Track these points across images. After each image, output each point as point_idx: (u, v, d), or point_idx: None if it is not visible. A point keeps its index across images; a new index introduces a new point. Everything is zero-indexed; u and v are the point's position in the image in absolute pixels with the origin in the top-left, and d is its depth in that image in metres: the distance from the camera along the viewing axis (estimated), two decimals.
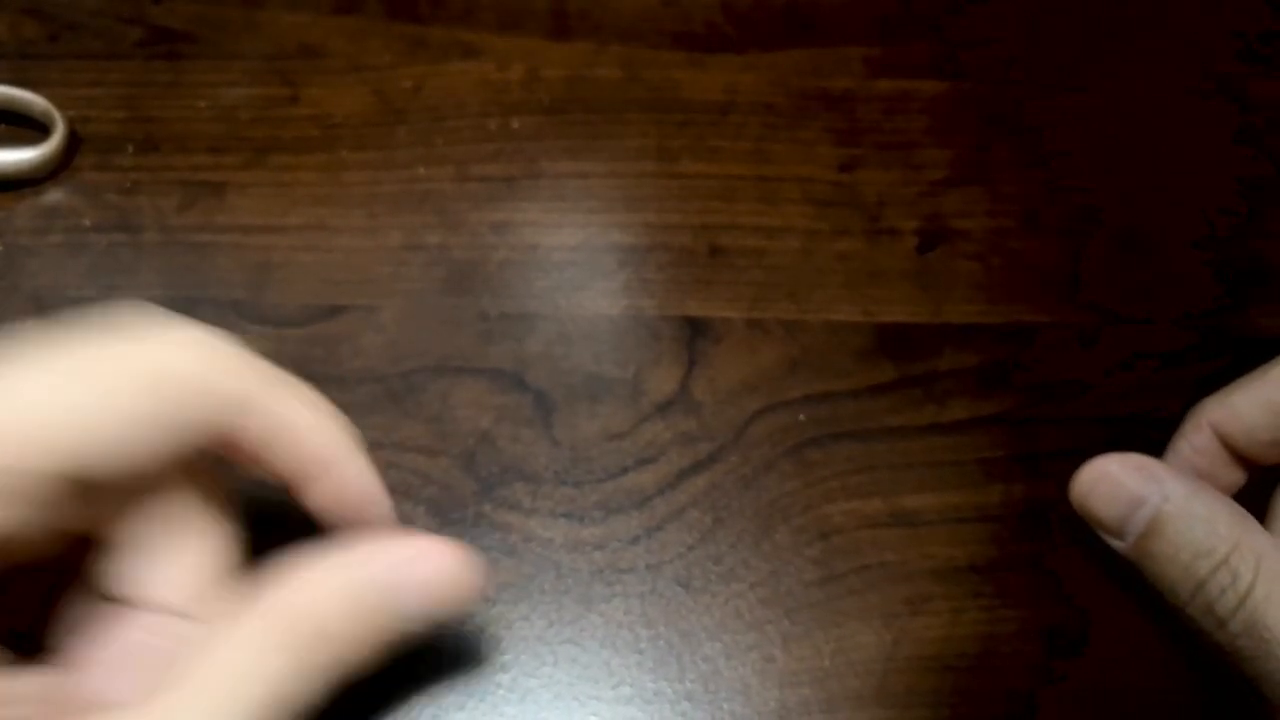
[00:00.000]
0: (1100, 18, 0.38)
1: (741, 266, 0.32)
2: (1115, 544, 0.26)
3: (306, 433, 0.22)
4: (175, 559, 0.21)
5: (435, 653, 0.26)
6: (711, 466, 0.29)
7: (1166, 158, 0.35)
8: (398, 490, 0.28)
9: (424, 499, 0.28)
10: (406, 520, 0.28)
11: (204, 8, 0.36)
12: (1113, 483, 0.25)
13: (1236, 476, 0.27)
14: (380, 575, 0.21)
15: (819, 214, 0.33)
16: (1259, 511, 0.26)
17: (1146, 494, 0.25)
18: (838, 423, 0.30)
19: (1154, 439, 0.28)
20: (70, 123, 0.33)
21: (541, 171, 0.34)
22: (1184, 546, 0.24)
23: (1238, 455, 0.26)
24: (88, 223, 0.32)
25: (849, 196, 0.34)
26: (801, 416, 0.30)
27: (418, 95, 0.35)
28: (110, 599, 0.21)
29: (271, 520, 0.23)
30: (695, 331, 0.31)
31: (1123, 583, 0.27)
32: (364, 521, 0.24)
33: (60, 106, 0.33)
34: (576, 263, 0.32)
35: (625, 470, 0.29)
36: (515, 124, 0.34)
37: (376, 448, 0.29)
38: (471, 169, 0.33)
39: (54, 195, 0.32)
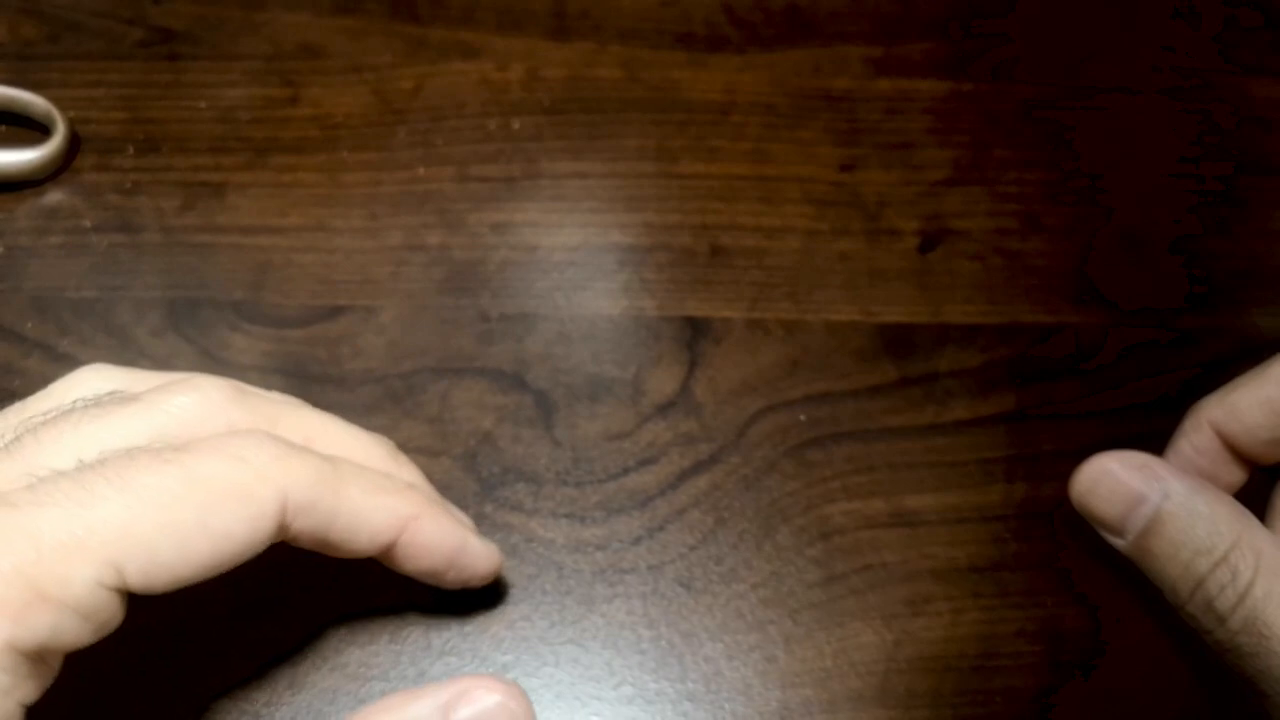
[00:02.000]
0: (1101, 17, 0.38)
1: (741, 266, 0.32)
2: (1116, 542, 0.26)
3: (361, 516, 0.22)
4: None
5: (438, 652, 0.26)
6: (712, 467, 0.29)
7: (1167, 157, 0.35)
8: None
9: None
10: None
11: (204, 8, 0.36)
12: (1113, 481, 0.25)
13: (1237, 475, 0.27)
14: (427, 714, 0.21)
15: (819, 214, 0.33)
16: (1259, 510, 0.26)
17: (1147, 492, 0.25)
18: (838, 423, 0.30)
19: (1154, 439, 0.28)
20: (71, 124, 0.33)
21: (541, 172, 0.34)
22: (1184, 544, 0.24)
23: (1238, 454, 0.26)
24: (88, 223, 0.32)
25: (849, 196, 0.34)
26: (802, 417, 0.30)
27: (418, 95, 0.35)
28: None
29: None
30: (695, 331, 0.31)
31: (1125, 582, 0.27)
32: (464, 570, 0.24)
33: (60, 107, 0.33)
34: (577, 263, 0.32)
35: (626, 471, 0.29)
36: (515, 124, 0.34)
37: None
38: (471, 169, 0.33)
39: (55, 196, 0.32)
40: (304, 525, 0.21)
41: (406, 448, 0.29)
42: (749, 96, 0.35)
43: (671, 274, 0.32)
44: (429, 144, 0.34)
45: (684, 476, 0.29)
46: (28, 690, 0.19)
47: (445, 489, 0.28)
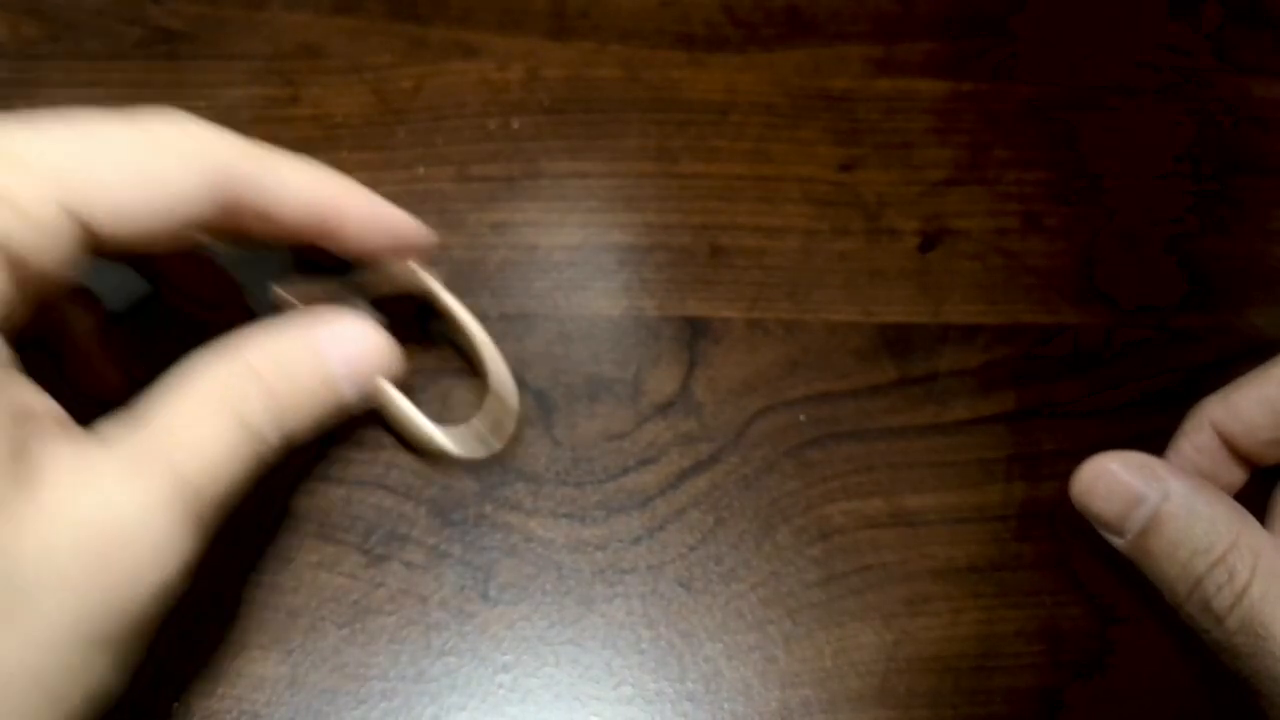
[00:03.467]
0: (1101, 18, 0.38)
1: (741, 266, 0.32)
2: (1115, 541, 0.26)
3: (305, 185, 0.24)
4: None
5: (437, 652, 0.26)
6: (712, 467, 0.29)
7: (1166, 157, 0.35)
8: (399, 491, 0.28)
9: (425, 499, 0.28)
10: (408, 521, 0.28)
11: (204, 8, 0.36)
12: (1113, 480, 0.25)
13: (1237, 475, 0.27)
14: (310, 340, 0.24)
15: (819, 214, 0.33)
16: (1259, 510, 0.26)
17: (1147, 492, 0.25)
18: (838, 423, 0.30)
19: (1154, 438, 0.28)
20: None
21: (541, 171, 0.34)
22: (1183, 544, 0.24)
23: (1238, 454, 0.26)
24: None
25: (849, 196, 0.34)
26: (802, 417, 0.30)
27: (418, 95, 0.35)
28: None
29: None
30: (695, 331, 0.31)
31: (1125, 582, 0.27)
32: (406, 248, 0.27)
33: (60, 106, 0.33)
34: (576, 263, 0.32)
35: (626, 471, 0.29)
36: (515, 124, 0.34)
37: (378, 448, 0.29)
38: (471, 169, 0.33)
39: None
40: (241, 188, 0.23)
41: (406, 449, 0.29)
42: (749, 96, 0.35)
43: (671, 274, 0.32)
44: (429, 144, 0.34)
45: (684, 476, 0.29)
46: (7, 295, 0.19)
47: (445, 489, 0.28)
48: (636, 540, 0.28)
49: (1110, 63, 0.37)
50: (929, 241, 0.33)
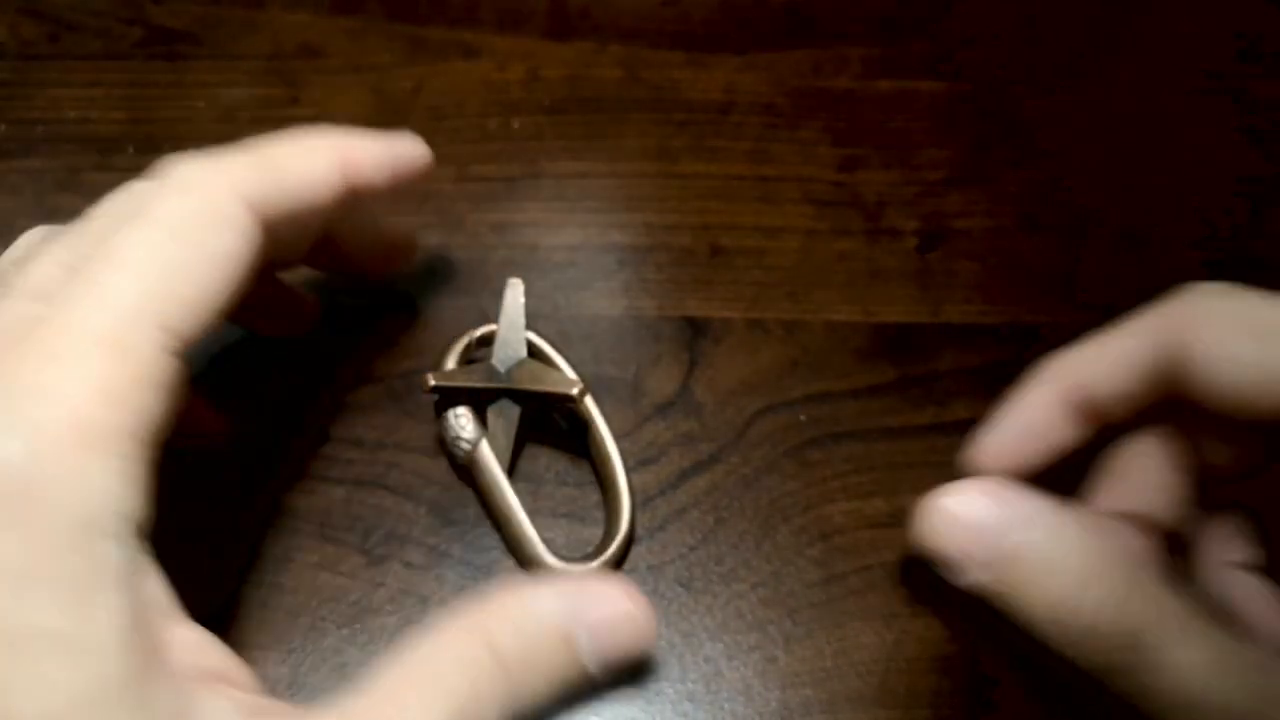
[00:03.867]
0: (1099, 17, 0.38)
1: (741, 266, 0.32)
2: (971, 580, 0.22)
3: (304, 165, 0.23)
4: None
5: None
6: (712, 467, 0.29)
7: (1166, 157, 0.35)
8: (399, 490, 0.28)
9: (425, 499, 0.28)
10: (408, 521, 0.28)
11: (204, 8, 0.36)
12: (960, 517, 0.23)
13: (1076, 433, 0.25)
14: (558, 611, 0.21)
15: (819, 214, 0.33)
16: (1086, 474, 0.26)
17: (1002, 523, 0.22)
18: (838, 423, 0.30)
19: None
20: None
21: (541, 171, 0.34)
22: (1052, 570, 0.22)
23: (1086, 410, 0.25)
24: None
25: (849, 196, 0.34)
26: (802, 416, 0.30)
27: (418, 95, 0.35)
28: None
29: None
30: (695, 331, 0.31)
31: None
32: (412, 171, 0.26)
33: (60, 107, 0.33)
34: (576, 263, 0.32)
35: (626, 470, 0.29)
36: (515, 124, 0.34)
37: (378, 448, 0.29)
38: (472, 169, 0.34)
39: (56, 197, 0.32)
40: (273, 209, 0.21)
41: (407, 448, 0.29)
42: (749, 96, 0.35)
43: (671, 274, 0.32)
44: (429, 144, 0.34)
45: (684, 476, 0.29)
46: (137, 503, 0.18)
47: (445, 489, 0.28)
48: (636, 540, 0.28)
49: (1109, 63, 0.37)
50: (929, 242, 0.33)
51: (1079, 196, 0.34)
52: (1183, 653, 0.20)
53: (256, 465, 0.28)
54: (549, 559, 0.27)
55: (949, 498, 0.23)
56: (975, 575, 0.22)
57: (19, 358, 0.18)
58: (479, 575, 0.27)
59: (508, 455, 0.28)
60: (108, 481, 0.18)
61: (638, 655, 0.23)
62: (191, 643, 0.19)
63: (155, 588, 0.18)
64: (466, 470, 0.28)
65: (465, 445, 0.27)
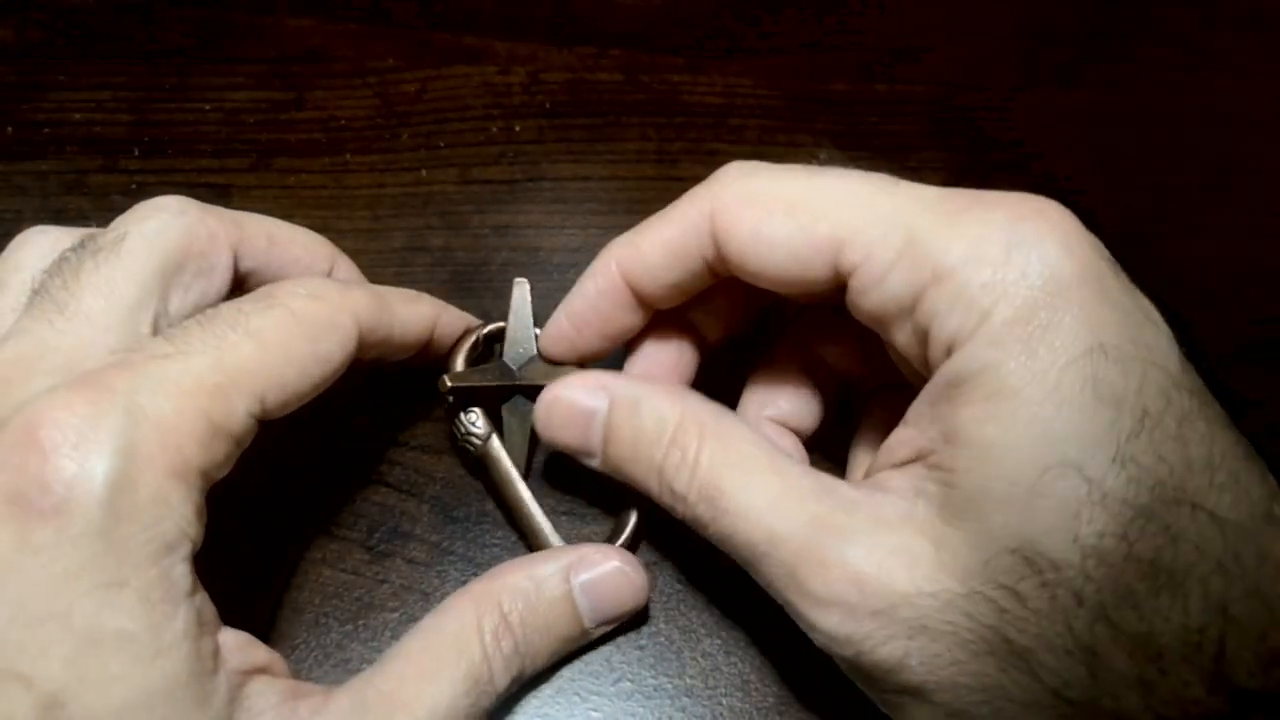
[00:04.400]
0: (1095, 21, 0.38)
1: None
2: (592, 463, 0.25)
3: (409, 322, 0.26)
4: None
5: None
6: None
7: (1162, 158, 0.35)
8: (402, 488, 0.29)
9: (429, 497, 0.28)
10: (411, 518, 0.28)
11: (209, 12, 0.36)
12: (564, 405, 0.25)
13: (637, 319, 0.26)
14: (558, 573, 0.25)
15: None
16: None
17: (594, 404, 0.25)
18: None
19: None
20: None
21: (543, 174, 0.34)
22: (638, 439, 0.24)
23: (640, 297, 0.26)
24: (93, 225, 0.32)
25: None
26: None
27: (421, 99, 0.35)
28: None
29: None
30: None
31: None
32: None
33: (67, 109, 0.33)
34: (578, 264, 0.32)
35: None
36: (517, 127, 0.35)
37: (381, 445, 0.29)
38: (474, 172, 0.34)
39: (62, 199, 0.33)
40: (372, 340, 0.25)
41: (410, 446, 0.29)
42: (748, 99, 0.36)
43: None
44: (432, 147, 0.34)
45: None
46: (199, 530, 0.21)
47: (448, 486, 0.29)
48: None
49: (1108, 65, 0.37)
50: None
51: (1074, 197, 0.34)
52: (746, 497, 0.22)
53: (259, 463, 0.29)
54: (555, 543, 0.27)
55: (557, 389, 0.25)
56: (597, 458, 0.25)
57: (129, 381, 0.20)
58: (481, 571, 0.27)
59: (524, 452, 0.28)
60: (186, 510, 0.20)
61: (631, 611, 0.26)
62: (236, 643, 0.21)
63: (205, 601, 0.21)
64: (479, 465, 0.28)
65: (476, 440, 0.27)
